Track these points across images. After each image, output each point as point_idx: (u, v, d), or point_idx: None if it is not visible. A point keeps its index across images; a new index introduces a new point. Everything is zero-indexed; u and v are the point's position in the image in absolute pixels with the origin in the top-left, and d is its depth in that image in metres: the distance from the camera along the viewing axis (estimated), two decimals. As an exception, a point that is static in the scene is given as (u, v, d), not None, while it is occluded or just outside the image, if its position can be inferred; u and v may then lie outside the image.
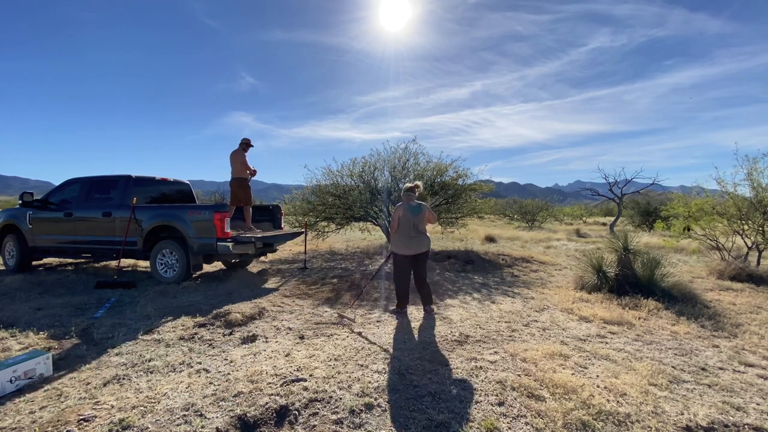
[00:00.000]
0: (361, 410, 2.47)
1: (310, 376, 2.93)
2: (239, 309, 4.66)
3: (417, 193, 4.60)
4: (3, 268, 7.65)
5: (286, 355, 3.39)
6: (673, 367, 3.25)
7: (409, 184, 4.57)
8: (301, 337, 3.90)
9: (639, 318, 4.58)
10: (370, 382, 2.84)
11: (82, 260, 8.22)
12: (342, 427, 2.31)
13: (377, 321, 4.48)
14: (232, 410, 2.46)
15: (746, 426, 2.39)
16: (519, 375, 2.99)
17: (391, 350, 3.52)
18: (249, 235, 6.52)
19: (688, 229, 9.11)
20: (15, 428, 2.34)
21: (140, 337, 3.87)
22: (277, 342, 3.77)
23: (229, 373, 3.02)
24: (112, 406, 2.54)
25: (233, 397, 2.63)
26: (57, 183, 7.82)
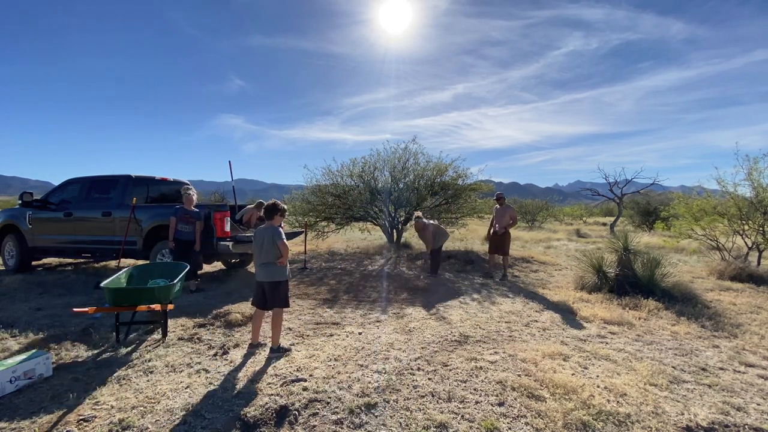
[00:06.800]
0: (361, 410, 2.47)
1: (310, 376, 2.93)
2: (239, 309, 4.66)
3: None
4: (3, 268, 7.64)
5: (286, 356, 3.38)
6: (673, 367, 3.25)
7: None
8: (301, 337, 3.90)
9: (639, 318, 4.58)
10: (370, 382, 2.84)
11: (82, 260, 8.21)
12: (342, 427, 2.30)
13: (377, 321, 4.48)
14: (232, 410, 2.46)
15: (746, 426, 2.39)
16: (519, 375, 2.98)
17: (391, 350, 3.52)
18: (249, 234, 6.52)
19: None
20: (15, 428, 2.34)
21: (140, 337, 3.87)
22: (277, 342, 3.76)
23: (228, 373, 3.02)
24: (112, 406, 2.54)
25: (233, 397, 2.64)
26: (57, 183, 7.81)
